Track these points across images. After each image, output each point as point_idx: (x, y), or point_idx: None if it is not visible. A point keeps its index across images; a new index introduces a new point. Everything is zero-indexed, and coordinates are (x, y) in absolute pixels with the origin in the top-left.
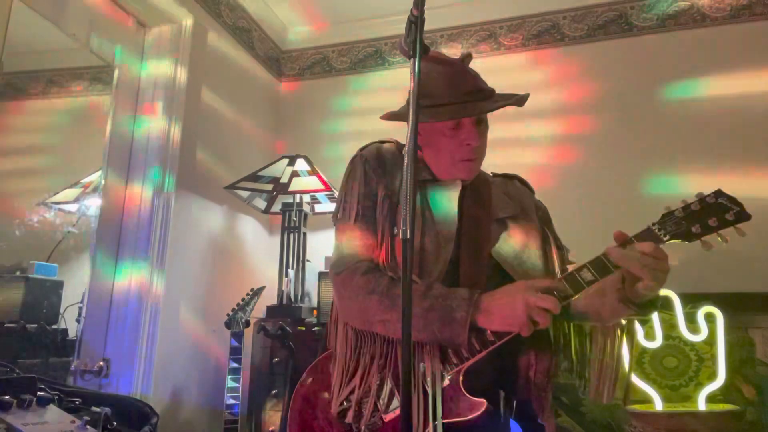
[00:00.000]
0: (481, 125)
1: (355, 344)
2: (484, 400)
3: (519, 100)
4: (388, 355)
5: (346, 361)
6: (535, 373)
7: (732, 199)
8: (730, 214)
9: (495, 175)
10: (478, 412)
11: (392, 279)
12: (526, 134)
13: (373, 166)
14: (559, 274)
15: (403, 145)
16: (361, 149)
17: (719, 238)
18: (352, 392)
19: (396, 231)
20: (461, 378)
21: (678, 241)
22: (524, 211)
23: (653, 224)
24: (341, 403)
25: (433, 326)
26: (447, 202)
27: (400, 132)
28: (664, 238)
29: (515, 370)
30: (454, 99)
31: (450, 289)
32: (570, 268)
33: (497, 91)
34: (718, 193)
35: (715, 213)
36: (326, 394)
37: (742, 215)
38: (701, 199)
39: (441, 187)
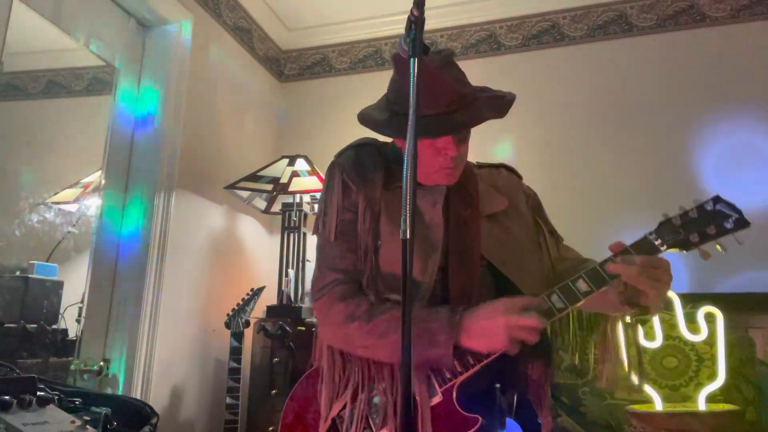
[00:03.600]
0: (460, 133)
1: (342, 363)
2: (479, 417)
3: (500, 110)
4: (376, 372)
5: (334, 379)
6: (533, 369)
7: (731, 206)
8: (729, 221)
9: (480, 165)
10: (473, 429)
11: (372, 304)
12: (525, 134)
13: (351, 175)
14: (553, 263)
15: (383, 144)
16: (338, 155)
17: (718, 247)
18: (342, 409)
19: (379, 243)
20: (455, 394)
21: (676, 250)
22: (513, 204)
23: (650, 233)
24: (332, 420)
25: (417, 350)
26: (431, 207)
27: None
28: (662, 248)
29: (513, 367)
30: (430, 110)
31: (431, 310)
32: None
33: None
34: (717, 199)
35: (714, 221)
36: (316, 410)
37: (741, 222)
38: (699, 206)
39: (425, 192)
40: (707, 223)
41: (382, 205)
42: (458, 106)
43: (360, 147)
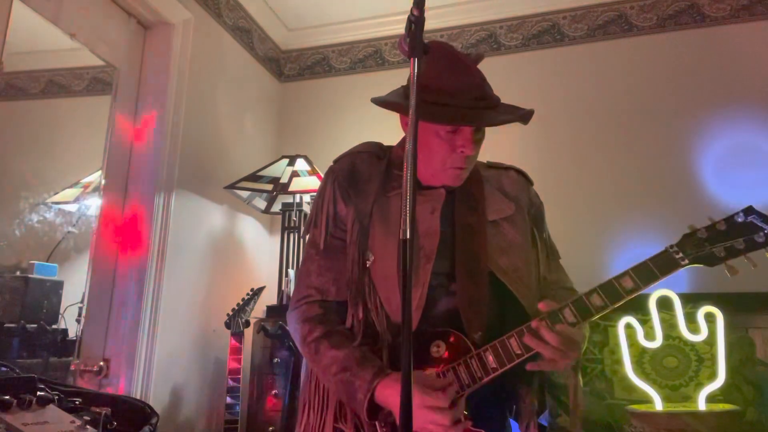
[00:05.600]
0: (479, 134)
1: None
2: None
3: (524, 116)
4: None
5: (317, 400)
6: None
7: (765, 218)
8: (761, 235)
9: (490, 165)
10: None
11: (325, 333)
12: (525, 133)
13: (345, 186)
14: (538, 283)
15: (384, 149)
16: (335, 161)
17: (747, 262)
18: None
19: (370, 257)
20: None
21: (699, 265)
22: (519, 210)
23: (671, 246)
24: None
25: (341, 395)
26: (429, 214)
27: (393, 121)
28: (683, 263)
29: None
30: (459, 102)
31: (363, 362)
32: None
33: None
34: (749, 211)
35: (744, 234)
36: None
37: None
38: (729, 217)
39: (424, 198)
40: (736, 236)
41: (375, 217)
42: (486, 105)
43: (358, 154)
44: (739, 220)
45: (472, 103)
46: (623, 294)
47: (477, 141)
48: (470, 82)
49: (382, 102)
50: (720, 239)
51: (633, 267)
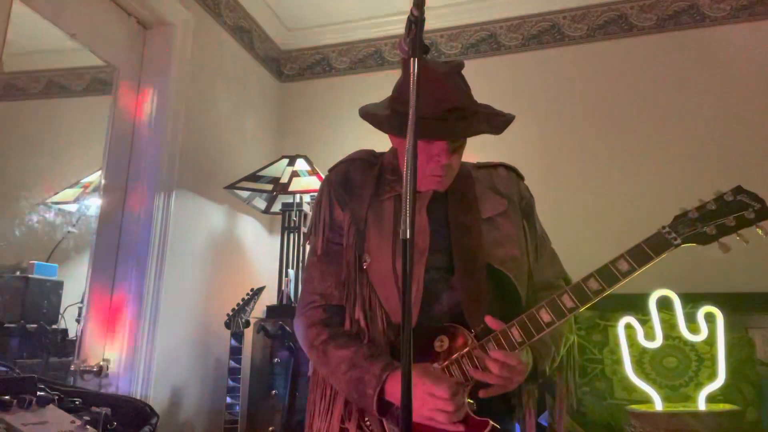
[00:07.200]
0: (456, 143)
1: (324, 385)
2: (488, 420)
3: (498, 126)
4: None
5: (325, 402)
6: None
7: (754, 196)
8: (750, 211)
9: (480, 165)
10: None
11: (331, 335)
12: (525, 134)
13: (340, 192)
14: (527, 275)
15: (377, 155)
16: (330, 170)
17: (739, 239)
18: None
19: (367, 259)
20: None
21: (692, 245)
22: (512, 205)
23: (663, 227)
24: None
25: (351, 394)
26: (417, 213)
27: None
28: (675, 242)
29: None
30: (429, 114)
31: (372, 358)
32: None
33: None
34: (738, 190)
35: (734, 211)
36: None
37: (764, 213)
38: (718, 197)
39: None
40: (726, 214)
41: (369, 220)
42: (457, 116)
43: (352, 161)
44: (729, 199)
45: (442, 114)
46: (619, 276)
47: (454, 150)
48: (441, 94)
49: (365, 115)
50: (711, 218)
51: (627, 250)
